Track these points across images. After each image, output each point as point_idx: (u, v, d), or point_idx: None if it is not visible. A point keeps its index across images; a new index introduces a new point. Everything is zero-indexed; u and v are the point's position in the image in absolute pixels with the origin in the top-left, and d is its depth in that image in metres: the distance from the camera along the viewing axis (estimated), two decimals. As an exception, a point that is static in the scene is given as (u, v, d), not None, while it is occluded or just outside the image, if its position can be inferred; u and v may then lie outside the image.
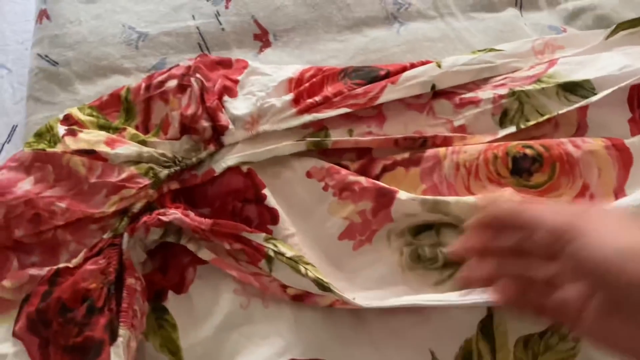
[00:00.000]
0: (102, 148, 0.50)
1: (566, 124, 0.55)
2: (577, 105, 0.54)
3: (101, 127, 0.54)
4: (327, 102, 0.54)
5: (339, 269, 0.51)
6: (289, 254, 0.48)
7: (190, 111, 0.52)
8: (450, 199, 0.51)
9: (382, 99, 0.54)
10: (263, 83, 0.56)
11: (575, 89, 0.55)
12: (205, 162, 0.53)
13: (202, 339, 0.47)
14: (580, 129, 0.55)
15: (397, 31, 0.65)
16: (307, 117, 0.53)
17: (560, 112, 0.54)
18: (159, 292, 0.50)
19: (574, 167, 0.52)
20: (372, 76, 0.56)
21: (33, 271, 0.47)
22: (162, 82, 0.55)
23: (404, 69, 0.57)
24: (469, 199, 0.51)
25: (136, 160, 0.50)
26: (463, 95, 0.56)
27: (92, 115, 0.55)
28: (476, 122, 0.55)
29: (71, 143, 0.51)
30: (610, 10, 0.66)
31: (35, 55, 0.62)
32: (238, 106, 0.53)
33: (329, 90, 0.55)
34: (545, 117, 0.54)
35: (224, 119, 0.52)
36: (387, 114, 0.56)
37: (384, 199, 0.51)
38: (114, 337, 0.43)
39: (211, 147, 0.52)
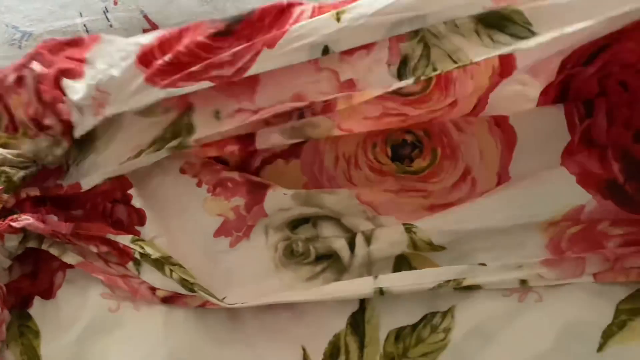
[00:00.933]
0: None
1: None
2: (503, 50, 0.41)
3: None
4: (180, 65, 0.44)
5: (216, 267, 0.50)
6: (155, 255, 0.47)
7: (31, 110, 0.47)
8: (324, 191, 0.49)
9: (254, 69, 0.43)
10: (111, 56, 0.47)
11: (502, 24, 0.41)
12: (71, 169, 0.50)
13: (65, 346, 0.46)
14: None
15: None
16: (159, 93, 0.44)
17: (478, 59, 0.41)
18: (25, 299, 0.48)
19: (455, 150, 0.51)
20: (236, 18, 0.45)
21: None
22: (5, 76, 0.48)
23: (278, 4, 0.46)
24: (343, 191, 0.49)
25: None
26: None
27: None
28: (368, 75, 0.44)
29: None
30: None
31: None
32: (78, 89, 0.46)
33: (183, 43, 0.45)
34: (458, 66, 0.41)
35: (65, 110, 0.46)
36: (259, 76, 0.45)
37: (257, 194, 0.49)
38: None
39: (65, 144, 0.48)
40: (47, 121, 0.47)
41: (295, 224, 0.50)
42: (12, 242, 0.47)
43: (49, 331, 0.47)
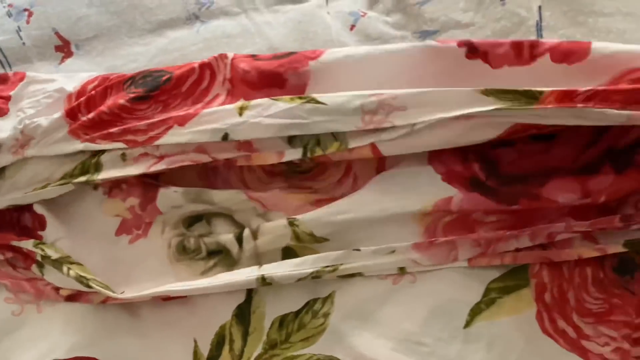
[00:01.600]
0: None
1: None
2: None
3: None
4: (102, 123, 0.51)
5: (117, 265, 0.52)
6: (54, 256, 0.50)
7: None
8: (214, 190, 0.52)
9: (163, 140, 0.50)
10: (37, 98, 0.54)
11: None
12: None
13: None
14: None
15: (197, 30, 0.67)
16: (79, 146, 0.51)
17: (353, 146, 0.48)
18: None
19: (339, 150, 0.54)
20: (153, 83, 0.53)
21: None
22: None
23: (191, 70, 0.54)
24: (231, 191, 0.52)
25: None
26: None
27: None
28: (262, 139, 0.49)
29: None
30: (409, -9, 0.67)
31: None
32: (3, 127, 0.52)
33: (107, 104, 0.52)
34: (332, 150, 0.48)
35: None
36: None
37: (149, 193, 0.52)
38: None
39: None
40: None
41: (190, 221, 0.53)
42: None
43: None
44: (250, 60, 0.53)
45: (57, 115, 0.52)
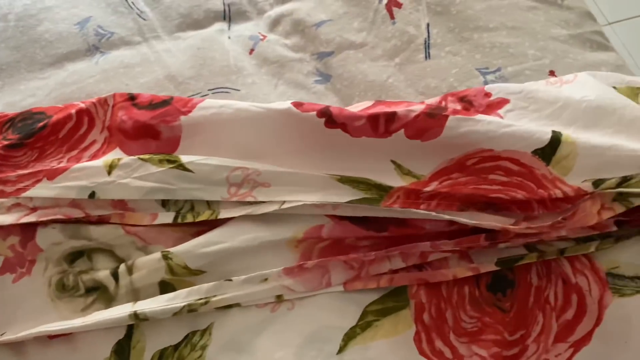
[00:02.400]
0: None
1: None
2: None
3: None
4: None
5: (1, 305, 0.52)
6: None
7: None
8: (91, 225, 0.52)
9: (31, 193, 0.51)
10: None
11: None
12: None
13: None
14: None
15: (96, 62, 0.67)
16: None
17: (225, 216, 0.51)
18: None
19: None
20: (28, 130, 0.54)
21: None
22: None
23: (68, 117, 0.55)
24: (109, 226, 0.52)
25: None
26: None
27: None
28: (137, 200, 0.51)
29: None
30: (305, 15, 0.68)
31: None
32: None
33: None
34: (204, 218, 0.51)
35: None
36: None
37: (28, 231, 0.53)
38: None
39: None
40: None
41: (72, 257, 0.53)
42: None
43: None
44: (129, 108, 0.54)
45: None
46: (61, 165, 0.51)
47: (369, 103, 0.55)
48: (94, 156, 0.53)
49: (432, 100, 0.55)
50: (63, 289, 0.52)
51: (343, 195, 0.50)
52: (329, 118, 0.52)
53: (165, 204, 0.50)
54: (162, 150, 0.53)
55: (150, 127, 0.53)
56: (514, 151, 0.50)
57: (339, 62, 0.65)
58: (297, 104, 0.53)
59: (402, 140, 0.52)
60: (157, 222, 0.49)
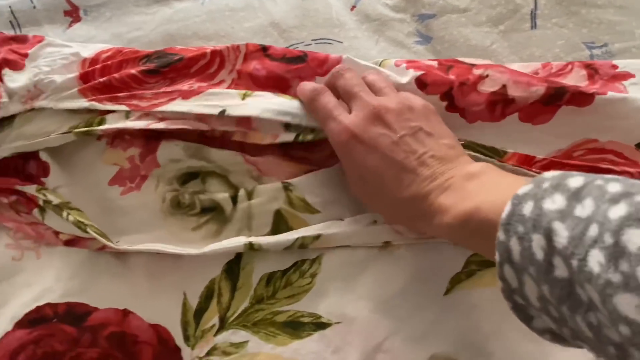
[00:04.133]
0: None
1: None
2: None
3: None
4: (111, 88, 0.54)
5: (109, 215, 0.54)
6: (55, 201, 0.52)
7: None
8: (213, 148, 0.54)
9: (164, 108, 0.52)
10: (53, 58, 0.56)
11: None
12: None
13: (-30, 290, 0.51)
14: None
15: (202, 2, 0.68)
16: (84, 103, 0.53)
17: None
18: None
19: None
20: (165, 60, 0.55)
21: None
22: None
23: (203, 55, 0.56)
24: (229, 152, 0.54)
25: None
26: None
27: None
28: (261, 119, 0.51)
29: None
30: None
31: None
32: (17, 79, 0.54)
33: (119, 72, 0.55)
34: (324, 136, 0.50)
35: None
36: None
37: (151, 144, 0.54)
38: None
39: None
40: None
41: (185, 178, 0.54)
42: None
43: (-45, 280, 0.52)
44: (261, 58, 0.55)
45: (71, 75, 0.54)
46: (192, 88, 0.53)
47: (483, 61, 0.56)
48: None
49: (558, 65, 0.56)
50: (178, 205, 0.53)
51: None
52: (451, 102, 0.53)
53: (287, 127, 0.51)
54: None
55: (284, 80, 0.54)
56: (617, 143, 0.51)
57: (440, 25, 0.66)
58: (421, 83, 0.53)
59: (515, 123, 0.53)
60: (278, 140, 0.51)
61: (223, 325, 0.49)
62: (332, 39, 0.66)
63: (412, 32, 0.67)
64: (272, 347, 0.48)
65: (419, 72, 0.53)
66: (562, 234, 0.31)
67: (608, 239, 0.29)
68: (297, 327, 0.49)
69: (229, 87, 0.55)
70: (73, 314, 0.50)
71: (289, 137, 0.51)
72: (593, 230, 0.30)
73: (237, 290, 0.50)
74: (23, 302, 0.50)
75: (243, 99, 0.52)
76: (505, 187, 0.38)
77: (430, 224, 0.42)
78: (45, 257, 0.52)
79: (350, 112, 0.48)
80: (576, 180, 0.33)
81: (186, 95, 0.52)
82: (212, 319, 0.49)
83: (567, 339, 0.34)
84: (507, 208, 0.34)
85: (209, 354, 0.48)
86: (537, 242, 0.32)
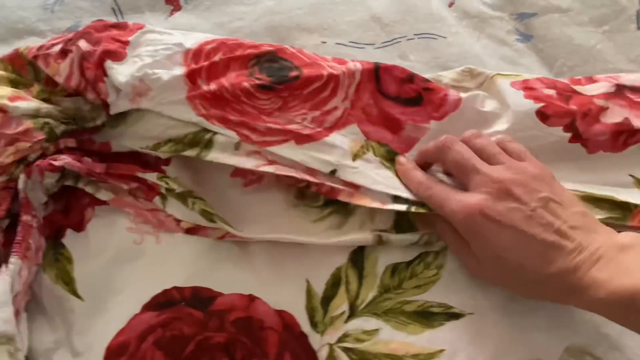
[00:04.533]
0: (3, 101, 0.51)
1: None
2: None
3: (12, 82, 0.56)
4: (221, 100, 0.52)
5: (230, 205, 0.54)
6: (178, 189, 0.52)
7: (73, 83, 0.52)
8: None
9: (276, 149, 0.51)
10: (154, 47, 0.54)
11: None
12: (104, 129, 0.55)
13: (95, 270, 0.51)
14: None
15: (302, -6, 0.69)
16: (194, 118, 0.51)
17: None
18: (58, 230, 0.53)
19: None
20: (280, 76, 0.53)
21: None
22: (53, 45, 0.54)
23: (319, 77, 0.53)
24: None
25: (34, 115, 0.51)
26: None
27: (6, 70, 0.57)
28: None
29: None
30: None
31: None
32: (122, 72, 0.52)
33: (230, 78, 0.52)
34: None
35: (104, 90, 0.51)
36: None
37: None
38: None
39: (103, 114, 0.53)
40: (89, 95, 0.52)
41: None
42: (51, 179, 0.52)
43: (80, 258, 0.52)
44: (375, 93, 0.55)
45: (177, 72, 0.52)
46: (306, 127, 0.52)
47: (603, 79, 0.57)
48: (335, 124, 0.53)
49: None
50: (302, 197, 0.54)
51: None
52: (576, 133, 0.53)
53: (395, 199, 0.50)
54: (395, 145, 0.54)
55: (397, 121, 0.54)
56: None
57: (541, 24, 0.67)
58: (542, 116, 0.53)
59: (637, 154, 0.54)
60: (386, 207, 0.49)
61: (354, 313, 0.49)
62: (435, 34, 0.66)
63: (511, 30, 0.67)
64: (405, 336, 0.48)
65: (539, 105, 0.53)
66: None
67: None
68: (428, 317, 0.49)
69: (341, 116, 0.53)
70: (199, 298, 0.50)
71: (399, 207, 0.50)
72: None
73: (364, 279, 0.50)
74: (149, 285, 0.50)
75: (354, 159, 0.51)
76: None
77: (581, 299, 0.41)
78: (166, 242, 0.52)
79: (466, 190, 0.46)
80: None
81: (299, 139, 0.51)
82: (340, 305, 0.50)
83: None
84: None
85: (340, 340, 0.48)
86: None
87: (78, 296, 0.50)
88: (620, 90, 0.56)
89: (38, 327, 0.49)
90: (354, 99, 0.54)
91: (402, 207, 0.49)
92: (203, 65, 0.53)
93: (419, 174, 0.50)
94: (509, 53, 0.65)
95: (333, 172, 0.50)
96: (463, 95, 0.55)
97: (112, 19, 0.67)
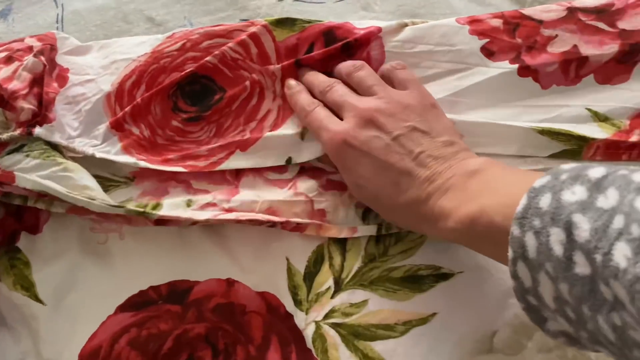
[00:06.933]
0: None
1: None
2: None
3: None
4: (156, 145, 0.49)
5: None
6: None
7: (12, 86, 0.47)
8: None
9: (226, 165, 0.49)
10: (79, 108, 0.50)
11: None
12: (16, 150, 0.47)
13: (56, 274, 0.47)
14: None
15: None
16: (137, 162, 0.48)
17: None
18: (12, 235, 0.49)
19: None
20: (204, 102, 0.50)
21: None
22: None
23: (243, 89, 0.51)
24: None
25: None
26: (331, 177, 0.50)
27: None
28: (336, 211, 0.49)
29: None
30: None
31: None
32: (65, 113, 0.49)
33: (156, 116, 0.50)
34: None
35: (52, 115, 0.48)
36: (239, 184, 0.50)
37: None
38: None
39: (17, 132, 0.47)
40: (21, 103, 0.47)
41: None
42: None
43: (38, 261, 0.48)
44: (299, 78, 0.52)
45: (101, 128, 0.49)
46: (247, 133, 0.50)
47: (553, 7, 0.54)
48: (274, 125, 0.50)
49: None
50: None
51: (541, 148, 0.49)
52: (523, 65, 0.51)
53: (364, 217, 0.49)
54: None
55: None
56: None
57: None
58: (488, 52, 0.52)
59: (592, 85, 0.52)
60: (357, 235, 0.48)
61: (339, 287, 0.47)
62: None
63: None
64: (395, 303, 0.46)
65: (484, 40, 0.52)
66: (583, 226, 0.28)
67: (636, 230, 0.26)
68: (416, 281, 0.47)
69: (277, 116, 0.51)
70: (176, 292, 0.47)
71: (370, 230, 0.48)
72: (618, 222, 0.27)
73: (348, 252, 0.48)
74: (122, 284, 0.47)
75: (302, 138, 0.50)
76: (510, 185, 0.36)
77: (434, 228, 0.40)
78: (130, 239, 0.49)
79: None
80: (597, 170, 0.31)
81: (243, 146, 0.49)
82: (325, 282, 0.47)
83: (584, 343, 0.32)
84: (523, 201, 0.32)
85: (327, 317, 0.46)
86: (556, 236, 0.29)
87: (40, 301, 0.46)
88: (571, 13, 0.53)
89: (-1, 341, 0.45)
90: (283, 93, 0.51)
91: (373, 230, 0.48)
92: (126, 112, 0.49)
93: (302, 98, 0.49)
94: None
95: (289, 160, 0.49)
96: (387, 48, 0.51)
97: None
